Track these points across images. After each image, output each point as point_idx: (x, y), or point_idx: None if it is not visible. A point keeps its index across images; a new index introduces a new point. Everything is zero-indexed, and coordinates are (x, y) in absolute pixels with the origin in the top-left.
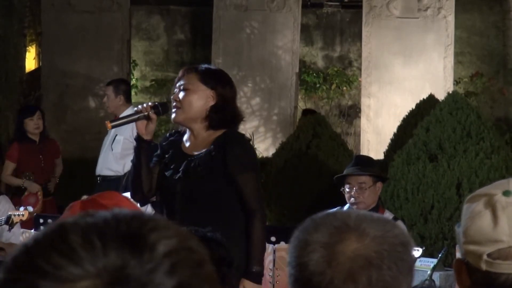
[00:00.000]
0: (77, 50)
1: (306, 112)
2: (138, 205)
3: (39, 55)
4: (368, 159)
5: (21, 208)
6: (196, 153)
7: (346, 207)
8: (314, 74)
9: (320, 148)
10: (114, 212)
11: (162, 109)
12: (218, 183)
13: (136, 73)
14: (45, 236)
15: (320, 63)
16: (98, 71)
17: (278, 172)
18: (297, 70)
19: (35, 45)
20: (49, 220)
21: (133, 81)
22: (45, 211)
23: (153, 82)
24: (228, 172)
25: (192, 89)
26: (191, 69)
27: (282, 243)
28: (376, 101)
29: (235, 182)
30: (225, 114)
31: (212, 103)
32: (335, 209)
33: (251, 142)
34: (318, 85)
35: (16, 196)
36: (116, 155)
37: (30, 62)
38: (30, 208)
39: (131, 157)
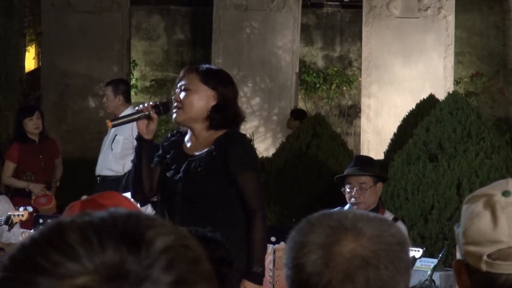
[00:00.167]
0: (77, 50)
1: (294, 112)
2: (138, 205)
3: (39, 55)
4: (368, 159)
5: (21, 208)
6: (197, 153)
7: (346, 207)
8: (314, 74)
9: (320, 148)
10: (111, 211)
11: (163, 108)
12: (218, 183)
13: (136, 73)
14: (42, 234)
15: (320, 63)
16: (98, 71)
17: (278, 172)
18: (297, 70)
19: (35, 45)
20: (49, 220)
21: (133, 81)
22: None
23: (153, 82)
24: (229, 172)
25: (193, 89)
26: (192, 69)
27: (282, 243)
28: (376, 101)
29: (236, 182)
30: (226, 114)
31: (213, 103)
32: (335, 209)
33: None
34: (318, 85)
35: (17, 196)
36: (116, 155)
37: (30, 62)
38: (30, 208)
39: (131, 157)
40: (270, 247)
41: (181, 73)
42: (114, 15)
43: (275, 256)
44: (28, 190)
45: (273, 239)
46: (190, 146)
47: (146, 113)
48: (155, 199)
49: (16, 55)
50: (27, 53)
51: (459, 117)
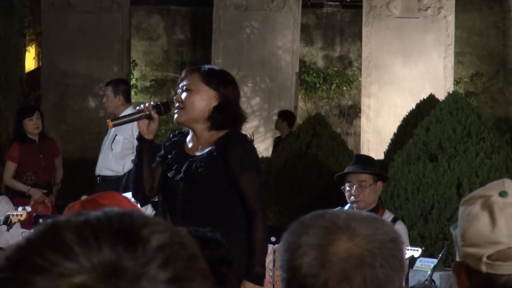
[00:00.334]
0: (77, 50)
1: (282, 114)
2: (139, 205)
3: (39, 55)
4: (368, 158)
5: (20, 208)
6: (198, 153)
7: (346, 207)
8: (314, 74)
9: (320, 148)
10: (105, 210)
11: (164, 108)
12: (219, 184)
13: (136, 73)
14: (38, 234)
15: (320, 63)
16: (98, 71)
17: (278, 172)
18: (297, 70)
19: (35, 45)
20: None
21: (133, 81)
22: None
23: (153, 82)
24: (229, 172)
25: (195, 90)
26: (194, 69)
27: None
28: (376, 101)
29: (236, 183)
30: (228, 115)
31: (214, 103)
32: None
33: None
34: (318, 85)
35: (17, 196)
36: (116, 155)
37: (30, 62)
38: (28, 208)
39: (131, 157)
40: (270, 247)
41: (183, 74)
42: (114, 15)
43: (275, 256)
44: (28, 195)
45: (273, 239)
46: (192, 146)
47: (147, 113)
48: (156, 199)
49: (16, 55)
50: (27, 53)
51: (459, 117)
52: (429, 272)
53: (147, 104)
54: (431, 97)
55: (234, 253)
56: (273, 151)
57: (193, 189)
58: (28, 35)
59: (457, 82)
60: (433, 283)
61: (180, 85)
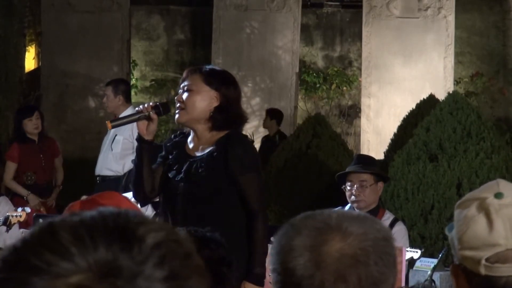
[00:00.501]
0: (77, 50)
1: (270, 112)
2: (139, 205)
3: (39, 55)
4: (370, 158)
5: (19, 209)
6: (198, 154)
7: (347, 207)
8: (314, 74)
9: (320, 148)
10: (100, 209)
11: (163, 109)
12: (219, 184)
13: (136, 73)
14: (34, 235)
15: (320, 63)
16: (98, 71)
17: (278, 172)
18: (297, 70)
19: (34, 45)
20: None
21: (133, 81)
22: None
23: (153, 82)
24: (229, 172)
25: (196, 90)
26: (196, 70)
27: None
28: (376, 101)
29: (236, 183)
30: (229, 115)
31: (216, 104)
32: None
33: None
34: (318, 85)
35: (17, 196)
36: (115, 155)
37: (30, 62)
38: (28, 209)
39: (131, 157)
40: (270, 247)
41: (184, 74)
42: (114, 15)
43: None
44: (26, 199)
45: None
46: (193, 147)
47: (146, 113)
48: (157, 200)
49: (16, 55)
50: (27, 53)
51: (459, 117)
52: (429, 272)
53: (146, 105)
54: (431, 97)
55: (234, 253)
56: (260, 149)
57: (194, 190)
58: (28, 35)
59: (457, 82)
60: (433, 283)
61: (182, 85)
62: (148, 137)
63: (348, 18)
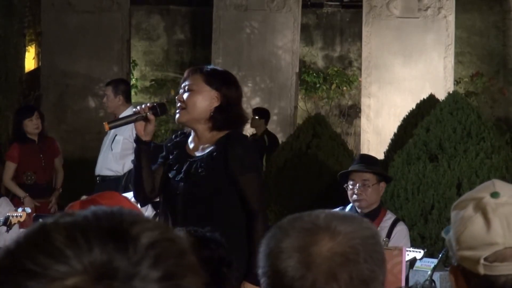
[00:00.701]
0: (77, 50)
1: (257, 111)
2: (139, 205)
3: (39, 55)
4: (373, 158)
5: (19, 209)
6: (198, 154)
7: (349, 207)
8: (314, 74)
9: (320, 148)
10: (93, 209)
11: (160, 110)
12: (219, 184)
13: (136, 73)
14: (27, 238)
15: (320, 63)
16: (98, 71)
17: (278, 172)
18: (297, 70)
19: (34, 45)
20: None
21: (133, 81)
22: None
23: (153, 82)
24: (229, 172)
25: (197, 90)
26: (196, 69)
27: None
28: (376, 101)
29: (236, 183)
30: (229, 115)
31: (216, 104)
32: (336, 209)
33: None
34: (318, 85)
35: (17, 196)
36: (115, 155)
37: (30, 62)
38: (28, 209)
39: (130, 157)
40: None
41: (185, 74)
42: (114, 15)
43: None
44: (22, 201)
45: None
46: (193, 147)
47: (143, 114)
48: (157, 200)
49: (16, 55)
50: (27, 53)
51: (459, 117)
52: (429, 272)
53: (143, 106)
54: (431, 97)
55: (234, 253)
56: None
57: (194, 190)
58: (28, 35)
59: (457, 82)
60: (433, 283)
61: (182, 85)
62: (146, 138)
63: (348, 18)
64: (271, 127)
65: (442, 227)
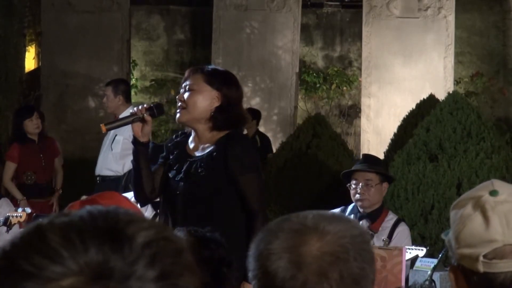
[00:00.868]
0: (77, 50)
1: (249, 111)
2: (139, 205)
3: (39, 55)
4: (376, 158)
5: (19, 210)
6: (198, 154)
7: (350, 207)
8: (314, 74)
9: (320, 148)
10: (88, 209)
11: (157, 111)
12: (219, 184)
13: (136, 73)
14: (23, 238)
15: (320, 63)
16: (98, 71)
17: (278, 172)
18: (297, 70)
19: (35, 45)
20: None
21: (133, 81)
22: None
23: (153, 82)
24: (229, 172)
25: (197, 90)
26: (197, 69)
27: None
28: (376, 101)
29: (236, 183)
30: (229, 116)
31: (217, 104)
32: (337, 210)
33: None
34: (318, 85)
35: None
36: (115, 155)
37: (30, 62)
38: (28, 210)
39: (130, 157)
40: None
41: (186, 73)
42: (114, 15)
43: None
44: (19, 203)
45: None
46: (193, 147)
47: (140, 115)
48: (157, 200)
49: (16, 55)
50: (27, 53)
51: (459, 117)
52: (429, 272)
53: (140, 107)
54: (431, 97)
55: (234, 253)
56: None
57: (193, 190)
58: (28, 35)
59: (457, 82)
60: (433, 283)
61: (183, 85)
62: (143, 139)
63: (348, 18)
64: (271, 127)
65: (442, 227)
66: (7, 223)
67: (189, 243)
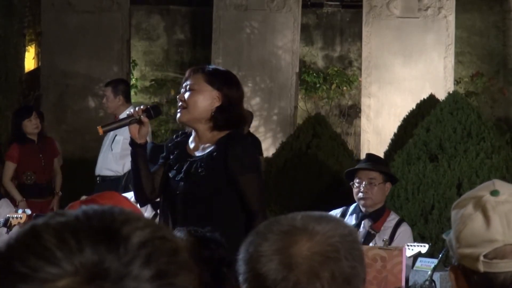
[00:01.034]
0: (77, 50)
1: None
2: (138, 205)
3: (39, 55)
4: (380, 158)
5: (19, 211)
6: (198, 154)
7: (352, 206)
8: (314, 74)
9: (320, 148)
10: (84, 209)
11: (154, 112)
12: (219, 184)
13: (136, 73)
14: (18, 239)
15: (320, 63)
16: (98, 71)
17: (278, 172)
18: (297, 70)
19: (35, 45)
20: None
21: (133, 81)
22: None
23: (153, 82)
24: (229, 172)
25: (198, 90)
26: (198, 69)
27: None
28: (376, 101)
29: (236, 183)
30: (230, 115)
31: (217, 104)
32: (338, 209)
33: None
34: (318, 85)
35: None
36: (115, 155)
37: (30, 62)
38: (28, 211)
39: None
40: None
41: (187, 73)
42: (114, 15)
43: None
44: (17, 204)
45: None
46: (193, 146)
47: (137, 117)
48: (158, 200)
49: (16, 55)
50: (27, 53)
51: (459, 117)
52: (429, 272)
53: (136, 109)
54: (431, 97)
55: (234, 253)
56: None
57: (193, 190)
58: (28, 35)
59: (457, 82)
60: (433, 283)
61: (184, 85)
62: (140, 140)
63: (348, 18)
64: (271, 127)
65: (442, 227)
66: (7, 224)
67: (189, 243)
